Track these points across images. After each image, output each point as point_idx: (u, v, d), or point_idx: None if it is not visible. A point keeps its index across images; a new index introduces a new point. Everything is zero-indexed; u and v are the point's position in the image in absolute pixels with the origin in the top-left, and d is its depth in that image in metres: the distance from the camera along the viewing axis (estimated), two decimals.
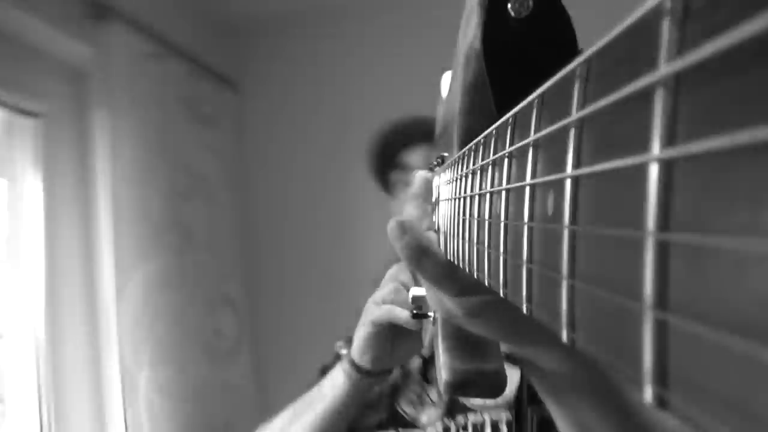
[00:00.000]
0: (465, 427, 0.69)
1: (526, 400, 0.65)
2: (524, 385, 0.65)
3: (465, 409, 0.69)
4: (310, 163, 2.14)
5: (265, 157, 2.17)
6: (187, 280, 1.67)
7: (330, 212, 2.13)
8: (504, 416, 0.68)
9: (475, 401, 0.69)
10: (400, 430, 0.73)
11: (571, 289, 0.13)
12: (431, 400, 0.74)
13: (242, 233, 2.07)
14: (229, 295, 1.93)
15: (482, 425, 0.68)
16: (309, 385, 0.81)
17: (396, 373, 0.83)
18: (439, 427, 0.71)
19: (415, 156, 0.91)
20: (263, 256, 2.16)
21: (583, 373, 0.36)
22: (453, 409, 0.71)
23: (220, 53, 2.03)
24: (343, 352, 0.67)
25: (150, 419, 1.47)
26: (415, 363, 0.80)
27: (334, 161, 2.11)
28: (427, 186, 0.38)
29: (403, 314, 0.55)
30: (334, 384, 0.66)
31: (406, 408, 0.75)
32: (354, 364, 0.63)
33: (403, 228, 0.34)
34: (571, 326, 0.13)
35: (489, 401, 0.69)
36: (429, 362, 0.77)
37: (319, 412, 0.67)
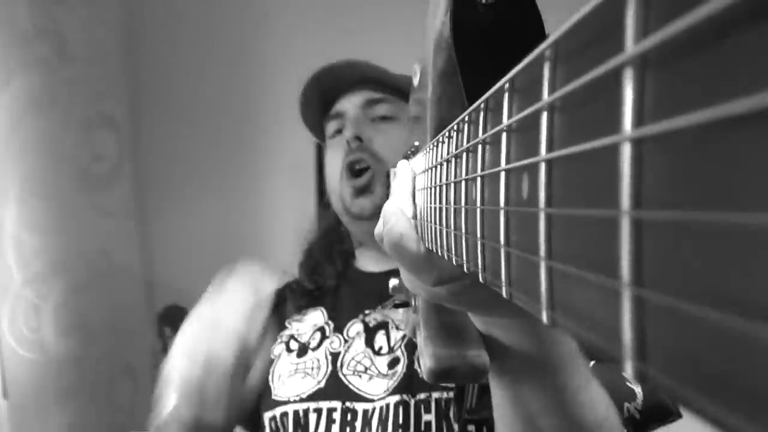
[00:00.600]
0: (427, 404, 0.69)
1: None
2: None
3: (429, 387, 0.70)
4: None
5: None
6: (60, 98, 1.50)
7: (233, 19, 1.93)
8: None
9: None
10: (347, 403, 0.73)
11: (549, 271, 0.13)
12: (380, 372, 0.74)
13: (126, 41, 1.82)
14: (108, 114, 1.73)
15: (447, 402, 0.68)
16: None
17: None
18: (392, 400, 0.70)
19: (350, 103, 0.85)
20: (150, 68, 1.95)
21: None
22: (411, 384, 0.71)
23: None
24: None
25: (18, 259, 1.38)
26: (355, 328, 0.81)
27: None
28: (411, 177, 0.38)
29: None
30: None
31: (351, 379, 0.75)
32: None
33: (385, 217, 0.35)
34: (551, 307, 0.13)
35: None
36: (373, 330, 0.79)
37: None
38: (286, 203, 2.02)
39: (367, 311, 0.81)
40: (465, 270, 0.22)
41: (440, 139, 0.27)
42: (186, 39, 1.97)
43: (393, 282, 0.50)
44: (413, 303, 0.48)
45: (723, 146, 0.07)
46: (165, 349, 1.82)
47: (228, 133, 2.00)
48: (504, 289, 0.17)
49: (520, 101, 0.15)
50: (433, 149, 0.30)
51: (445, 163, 0.26)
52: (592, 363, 0.48)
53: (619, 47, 0.10)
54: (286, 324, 0.87)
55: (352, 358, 0.77)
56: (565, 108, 0.12)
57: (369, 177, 0.81)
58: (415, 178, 0.38)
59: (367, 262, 0.90)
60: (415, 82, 0.42)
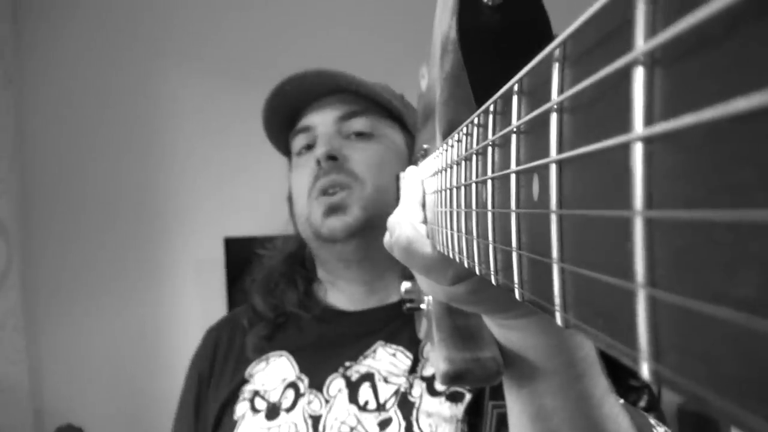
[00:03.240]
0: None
1: (487, 395, 0.61)
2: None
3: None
4: (107, 61, 1.81)
5: (49, 48, 1.80)
6: None
7: (127, 121, 1.82)
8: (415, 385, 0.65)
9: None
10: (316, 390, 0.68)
11: (563, 272, 0.13)
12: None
13: (16, 140, 1.72)
14: None
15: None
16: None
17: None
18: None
19: (321, 117, 0.74)
20: (41, 170, 1.82)
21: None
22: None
23: None
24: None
25: None
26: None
27: (137, 59, 1.79)
28: (419, 185, 0.38)
29: None
30: None
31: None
32: None
33: (390, 228, 0.35)
34: (564, 308, 0.13)
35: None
36: (356, 384, 0.68)
37: None
38: (192, 308, 1.84)
39: (347, 363, 0.70)
40: (477, 272, 0.22)
41: (449, 142, 0.27)
42: (78, 136, 1.85)
43: (405, 285, 0.50)
44: (425, 306, 0.48)
45: (734, 143, 0.07)
46: None
47: (125, 234, 1.85)
48: (517, 291, 0.17)
49: (528, 102, 0.15)
50: (442, 153, 0.30)
51: (455, 166, 0.26)
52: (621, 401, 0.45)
53: (627, 46, 0.10)
54: (247, 376, 0.74)
55: (336, 419, 0.65)
56: (575, 108, 0.12)
57: (343, 195, 0.70)
58: (423, 182, 0.38)
59: (338, 296, 0.78)
60: (423, 85, 0.42)
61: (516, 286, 0.17)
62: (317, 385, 0.69)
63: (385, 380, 0.66)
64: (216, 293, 1.79)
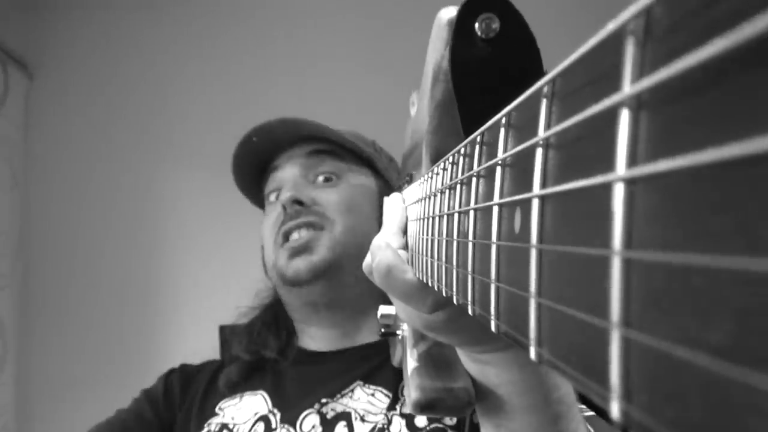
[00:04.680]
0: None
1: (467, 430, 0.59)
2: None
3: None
4: (110, 164, 1.84)
5: (56, 153, 1.83)
6: None
7: (127, 224, 1.84)
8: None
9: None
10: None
11: (539, 307, 0.13)
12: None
13: (18, 239, 1.73)
14: None
15: None
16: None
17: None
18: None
19: (285, 160, 0.74)
20: (42, 269, 1.81)
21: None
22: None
23: (9, 26, 1.69)
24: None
25: None
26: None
27: (137, 162, 1.82)
28: (402, 211, 0.38)
29: None
30: None
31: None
32: None
33: (372, 252, 0.35)
34: (539, 343, 0.13)
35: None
36: (331, 423, 0.66)
37: None
38: None
39: (324, 400, 0.67)
40: (455, 302, 0.22)
41: (435, 170, 0.28)
42: (80, 235, 1.84)
43: (382, 310, 0.50)
44: (401, 333, 0.48)
45: (714, 190, 0.08)
46: None
47: (124, 328, 1.81)
48: (493, 322, 0.16)
49: (515, 136, 0.15)
50: (427, 180, 0.30)
51: (438, 195, 0.26)
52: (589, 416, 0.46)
53: (615, 87, 0.10)
54: (216, 410, 0.71)
55: None
56: (560, 145, 0.12)
57: (309, 236, 0.69)
58: (406, 209, 0.38)
59: (310, 341, 0.77)
60: (412, 112, 0.42)
61: (492, 317, 0.16)
62: (290, 420, 0.67)
63: (362, 419, 0.65)
64: None
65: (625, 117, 0.10)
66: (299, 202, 0.70)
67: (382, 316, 0.50)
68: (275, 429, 0.66)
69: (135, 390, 0.79)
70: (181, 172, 1.87)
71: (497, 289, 0.16)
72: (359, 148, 0.76)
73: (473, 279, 0.19)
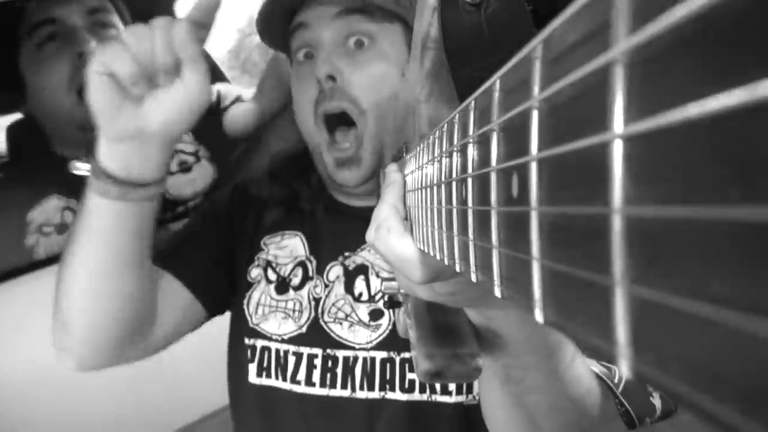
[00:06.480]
0: (412, 363, 0.66)
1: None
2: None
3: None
4: None
5: None
6: None
7: None
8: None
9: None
10: (328, 350, 0.72)
11: (542, 269, 0.13)
12: (360, 320, 0.72)
13: None
14: None
15: None
16: None
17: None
18: (378, 356, 0.70)
19: (314, 13, 0.71)
20: None
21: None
22: (396, 341, 0.70)
23: None
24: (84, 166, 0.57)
25: None
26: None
27: None
28: (401, 181, 0.38)
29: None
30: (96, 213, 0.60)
31: (332, 326, 0.73)
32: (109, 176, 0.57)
33: (377, 223, 0.35)
34: (543, 306, 0.13)
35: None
36: (352, 274, 0.75)
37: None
38: None
39: (347, 253, 0.76)
40: (457, 270, 0.22)
41: (430, 139, 0.28)
42: None
43: (386, 282, 0.50)
44: (405, 304, 0.48)
45: (710, 141, 0.08)
46: None
47: None
48: (497, 288, 0.17)
49: (509, 100, 0.15)
50: (422, 149, 0.30)
51: (435, 163, 0.26)
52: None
53: (606, 44, 0.10)
54: (262, 245, 0.80)
55: (333, 305, 0.74)
56: (555, 107, 0.12)
57: (354, 147, 0.71)
58: (404, 179, 0.38)
59: (339, 194, 0.82)
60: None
61: (496, 282, 0.17)
62: (320, 269, 0.76)
63: (377, 274, 0.73)
64: None
65: (618, 74, 0.09)
66: (333, 78, 0.70)
67: (386, 287, 0.50)
68: (312, 278, 0.76)
69: None
70: None
71: (499, 254, 0.16)
72: (391, 6, 0.73)
73: (474, 246, 0.19)
